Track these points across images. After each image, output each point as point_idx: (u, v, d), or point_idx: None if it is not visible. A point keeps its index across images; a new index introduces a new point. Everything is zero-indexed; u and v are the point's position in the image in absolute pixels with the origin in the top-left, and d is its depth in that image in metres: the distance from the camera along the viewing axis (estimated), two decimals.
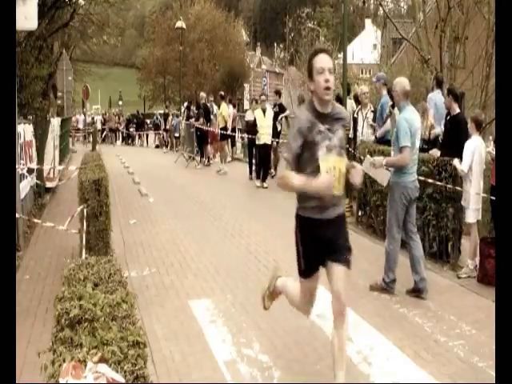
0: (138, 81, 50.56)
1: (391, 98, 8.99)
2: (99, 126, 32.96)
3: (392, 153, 6.09)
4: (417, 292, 5.74)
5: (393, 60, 20.07)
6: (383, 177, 5.91)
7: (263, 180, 12.82)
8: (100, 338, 2.20)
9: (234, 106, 19.71)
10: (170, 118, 25.79)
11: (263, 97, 14.04)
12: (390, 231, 5.86)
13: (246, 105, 34.28)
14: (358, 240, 7.15)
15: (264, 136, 12.83)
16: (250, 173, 14.00)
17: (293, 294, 3.98)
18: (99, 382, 1.90)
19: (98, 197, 6.01)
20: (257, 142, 13.05)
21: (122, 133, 33.18)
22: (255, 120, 13.10)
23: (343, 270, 3.55)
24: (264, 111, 13.05)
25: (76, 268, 3.07)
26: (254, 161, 13.74)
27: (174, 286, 6.11)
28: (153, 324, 5.04)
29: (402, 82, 5.93)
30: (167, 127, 26.31)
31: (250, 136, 13.70)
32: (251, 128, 13.59)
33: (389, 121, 8.46)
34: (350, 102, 9.90)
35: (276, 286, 4.22)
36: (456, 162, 6.35)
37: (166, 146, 26.25)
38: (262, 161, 13.07)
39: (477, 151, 6.18)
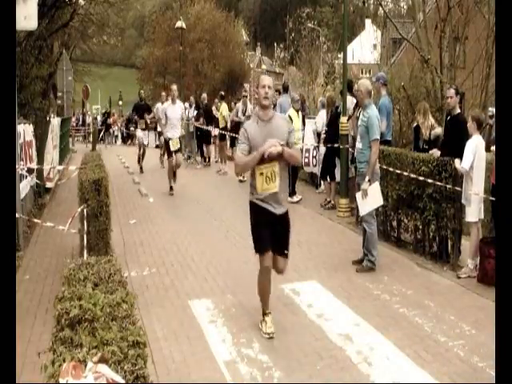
0: (138, 81, 50.56)
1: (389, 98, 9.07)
2: (99, 126, 32.87)
3: (359, 145, 6.59)
4: (360, 264, 6.56)
5: (393, 60, 20.02)
6: (373, 202, 6.47)
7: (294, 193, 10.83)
8: (100, 338, 2.20)
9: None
10: None
11: (295, 95, 11.71)
12: (363, 216, 6.58)
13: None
14: (359, 240, 7.15)
15: (299, 141, 10.60)
16: None
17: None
18: (99, 382, 1.90)
19: (98, 197, 6.01)
20: None
21: (122, 132, 33.04)
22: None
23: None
24: (298, 111, 11.03)
25: (76, 268, 3.07)
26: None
27: (173, 286, 6.11)
28: (153, 324, 5.04)
29: (365, 84, 6.67)
30: None
31: None
32: None
33: (384, 122, 8.46)
34: (351, 99, 9.86)
35: None
36: (457, 161, 6.35)
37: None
38: (295, 172, 10.79)
39: (478, 150, 6.18)
